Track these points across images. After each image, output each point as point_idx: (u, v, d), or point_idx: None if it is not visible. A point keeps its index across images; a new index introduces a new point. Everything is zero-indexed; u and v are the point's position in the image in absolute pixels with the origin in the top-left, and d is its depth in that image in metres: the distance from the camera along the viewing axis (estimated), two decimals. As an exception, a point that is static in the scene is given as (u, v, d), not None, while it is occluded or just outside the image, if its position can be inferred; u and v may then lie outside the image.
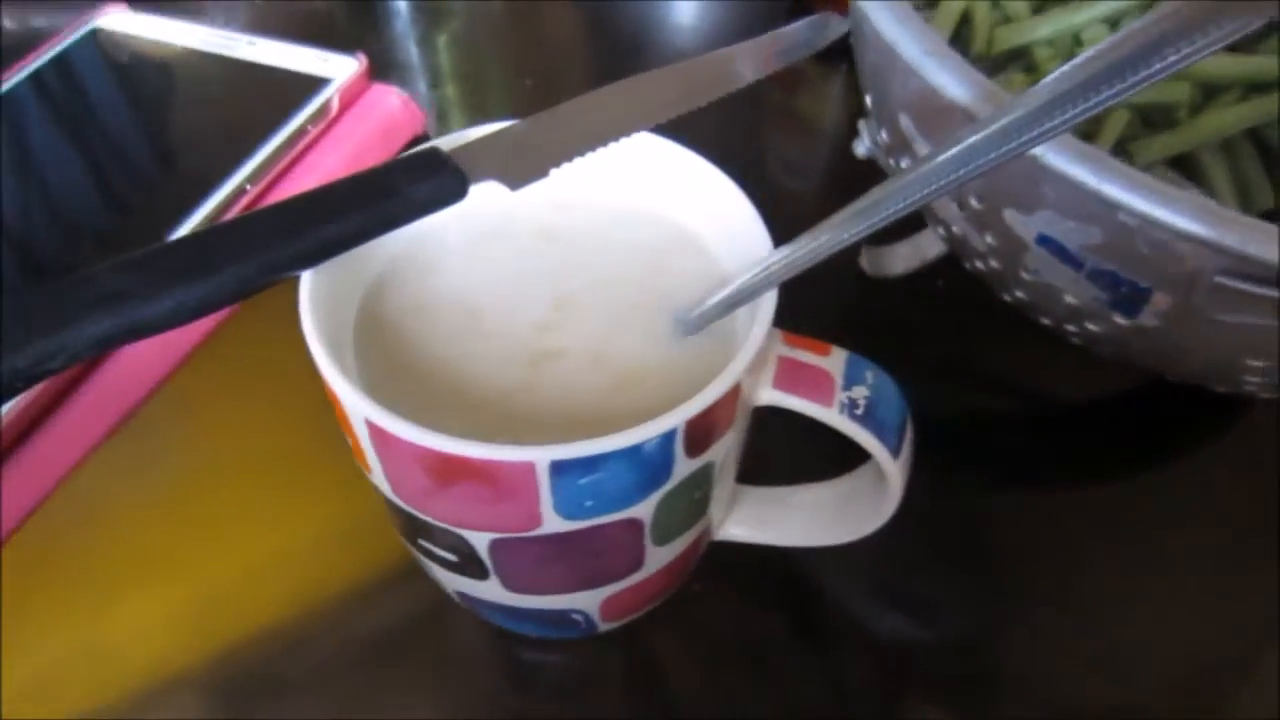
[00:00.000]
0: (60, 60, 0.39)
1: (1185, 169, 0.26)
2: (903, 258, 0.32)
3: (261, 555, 0.29)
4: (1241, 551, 0.30)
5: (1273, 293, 0.18)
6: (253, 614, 0.27)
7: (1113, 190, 0.18)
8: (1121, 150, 0.26)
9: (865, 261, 0.33)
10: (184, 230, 0.32)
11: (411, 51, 0.46)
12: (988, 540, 0.30)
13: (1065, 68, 0.14)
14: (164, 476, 0.30)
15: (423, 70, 0.45)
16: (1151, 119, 0.27)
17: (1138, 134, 0.27)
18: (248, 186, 0.34)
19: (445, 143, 0.22)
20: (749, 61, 0.24)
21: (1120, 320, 0.22)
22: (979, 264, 0.26)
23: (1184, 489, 0.31)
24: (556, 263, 0.22)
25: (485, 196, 0.22)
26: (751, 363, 0.19)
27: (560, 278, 0.22)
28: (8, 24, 0.47)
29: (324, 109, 0.36)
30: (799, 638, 0.28)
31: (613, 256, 0.23)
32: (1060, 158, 0.19)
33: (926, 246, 0.31)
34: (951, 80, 0.20)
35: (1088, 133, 0.26)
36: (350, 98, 0.37)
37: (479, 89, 0.45)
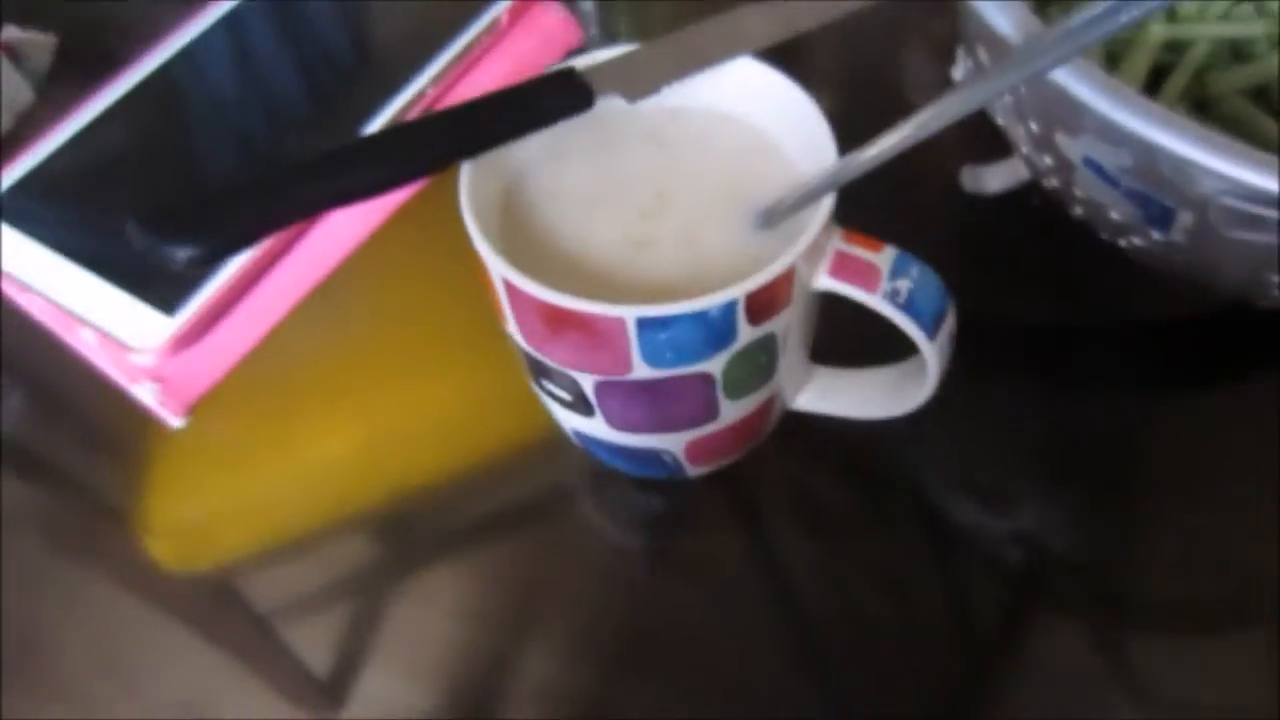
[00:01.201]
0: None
1: (1264, 102, 0.28)
2: (999, 176, 0.35)
3: (429, 410, 0.35)
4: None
5: (1274, 213, 0.21)
6: (420, 459, 0.34)
7: (1123, 120, 0.21)
8: (1200, 80, 0.28)
9: (965, 179, 0.36)
10: (379, 120, 0.39)
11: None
12: (1057, 439, 0.33)
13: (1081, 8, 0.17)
14: (353, 332, 0.37)
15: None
16: (1237, 51, 0.28)
17: (1224, 64, 0.29)
18: (429, 90, 0.40)
19: (579, 62, 0.27)
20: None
21: (1156, 235, 0.25)
22: (1045, 183, 0.29)
23: (1254, 408, 0.32)
24: (661, 162, 0.27)
25: (607, 105, 0.27)
26: (807, 251, 0.23)
27: (662, 175, 0.27)
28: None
29: (495, 23, 0.42)
30: (871, 508, 0.32)
31: (706, 159, 0.27)
32: (1085, 90, 0.22)
33: (1021, 169, 0.34)
34: (1002, 19, 0.23)
35: (1169, 63, 0.28)
36: (518, 12, 0.42)
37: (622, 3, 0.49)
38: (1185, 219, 0.23)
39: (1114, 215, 0.26)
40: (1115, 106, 0.21)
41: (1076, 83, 0.22)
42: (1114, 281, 0.35)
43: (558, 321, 0.24)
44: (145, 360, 0.35)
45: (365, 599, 0.31)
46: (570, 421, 0.29)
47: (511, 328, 0.26)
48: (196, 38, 0.44)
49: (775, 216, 0.25)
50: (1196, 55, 0.28)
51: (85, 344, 0.36)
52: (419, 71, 0.40)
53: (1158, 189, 0.23)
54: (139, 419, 0.35)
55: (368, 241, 0.39)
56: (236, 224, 0.24)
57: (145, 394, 0.35)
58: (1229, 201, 0.21)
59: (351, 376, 0.36)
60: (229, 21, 0.44)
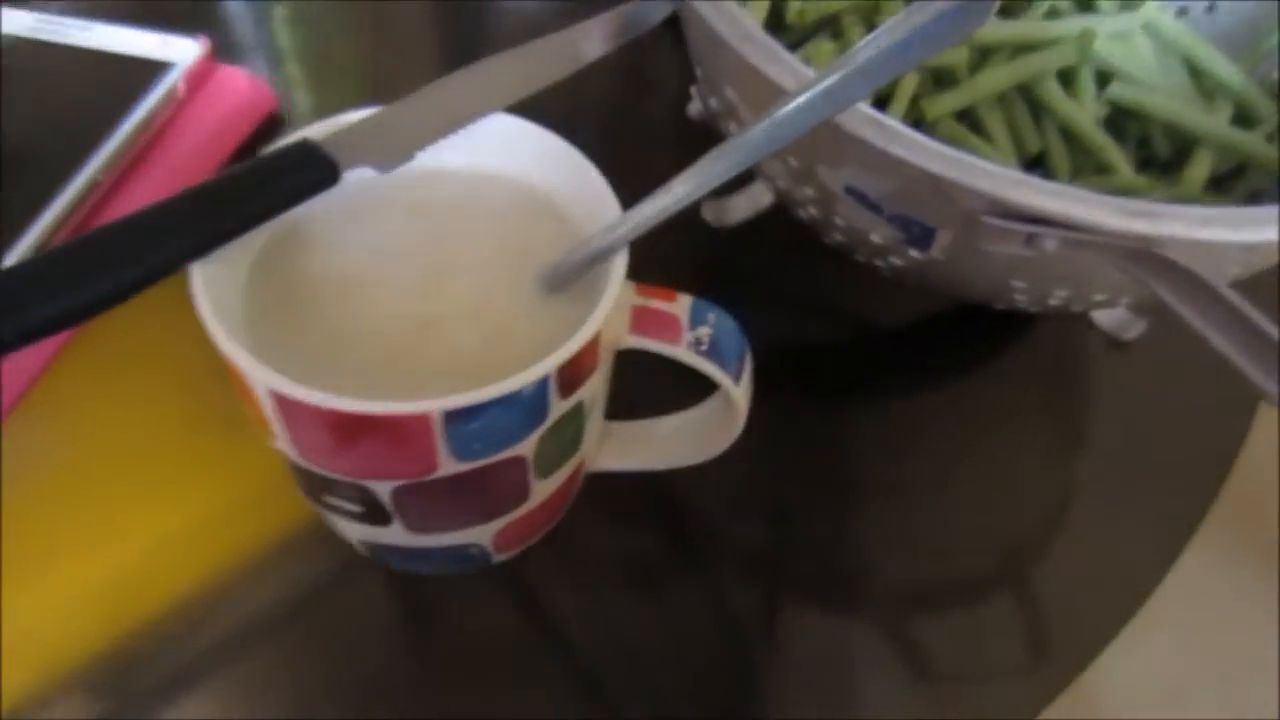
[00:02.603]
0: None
1: (969, 120, 0.31)
2: (740, 208, 0.36)
3: (158, 535, 0.30)
4: (1032, 443, 0.35)
5: (1025, 228, 0.23)
6: (156, 592, 0.29)
7: (895, 150, 0.22)
8: (915, 106, 0.31)
9: (707, 213, 0.37)
10: (39, 229, 0.32)
11: (248, 31, 0.46)
12: (827, 452, 0.34)
13: (851, 53, 0.18)
14: (51, 468, 0.31)
15: (261, 49, 0.45)
16: (940, 78, 0.31)
17: (929, 91, 0.31)
18: (100, 178, 0.34)
19: (314, 132, 0.24)
20: (588, 42, 0.26)
21: (916, 254, 0.26)
22: (802, 213, 0.30)
23: (983, 395, 0.36)
24: (427, 234, 0.25)
25: (353, 177, 0.24)
26: (609, 313, 0.22)
27: (433, 248, 0.24)
28: None
29: (170, 94, 0.37)
30: (670, 553, 0.31)
31: (478, 225, 0.25)
32: (854, 123, 0.22)
33: (759, 197, 0.35)
34: (768, 62, 0.23)
35: (886, 93, 0.30)
36: (196, 81, 0.38)
37: (320, 66, 0.45)
38: (944, 238, 0.25)
39: (874, 238, 0.27)
40: (885, 138, 0.22)
41: (845, 117, 0.22)
42: (858, 294, 0.37)
43: (346, 430, 0.21)
44: None
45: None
46: (358, 534, 0.26)
47: (281, 443, 0.22)
48: None
49: (562, 278, 0.24)
50: (909, 84, 0.30)
51: None
52: (86, 160, 0.34)
53: (919, 211, 0.24)
54: None
55: (52, 358, 0.33)
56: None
57: None
58: (987, 219, 0.23)
59: (57, 517, 0.30)
60: None
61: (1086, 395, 0.37)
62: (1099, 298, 0.27)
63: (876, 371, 0.37)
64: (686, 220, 0.37)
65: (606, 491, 0.30)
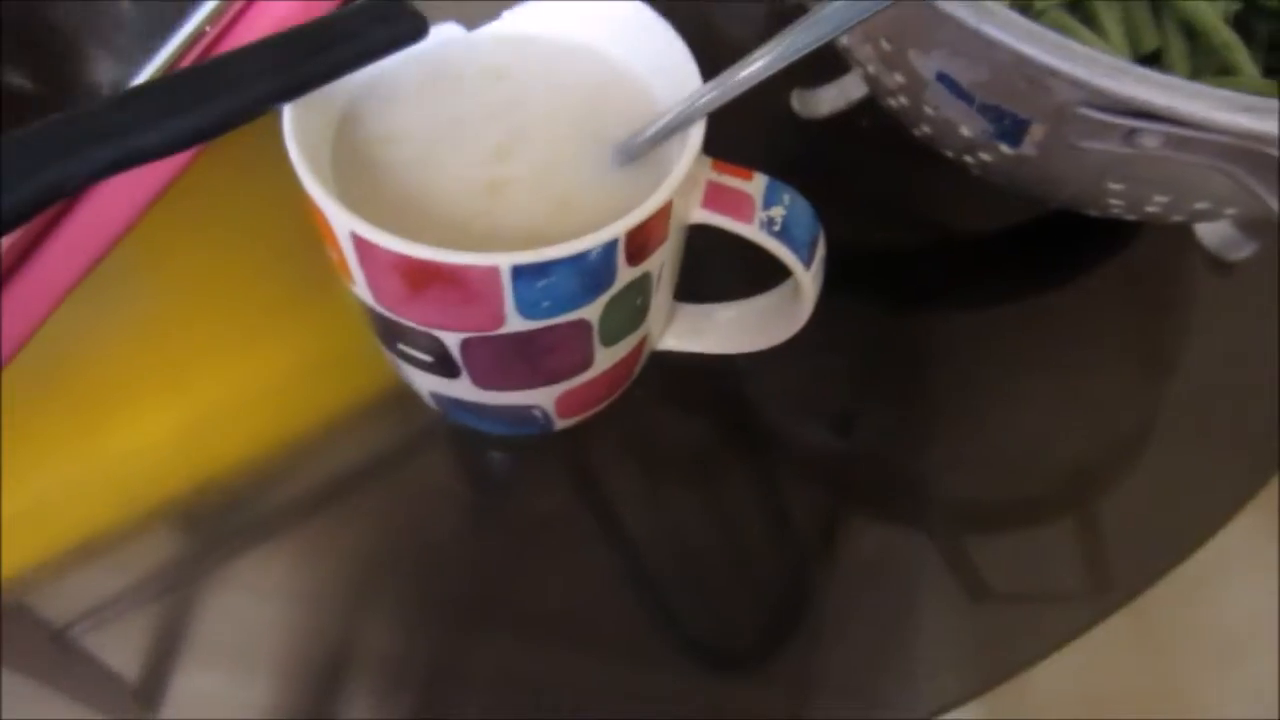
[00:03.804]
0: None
1: (1081, 13, 0.29)
2: (829, 99, 0.35)
3: (246, 382, 0.32)
4: (1115, 365, 0.34)
5: (1124, 121, 0.22)
6: (231, 437, 0.30)
7: (989, 30, 0.21)
8: (1025, -5, 0.29)
9: (796, 103, 0.36)
10: (151, 68, 0.34)
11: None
12: (899, 358, 0.34)
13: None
14: (147, 310, 0.33)
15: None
16: (1054, -34, 0.29)
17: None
18: (207, 28, 0.35)
19: (405, -15, 0.24)
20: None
21: (1006, 149, 0.25)
22: (892, 101, 0.29)
23: (1068, 311, 0.35)
24: (505, 97, 0.25)
25: (440, 36, 0.24)
26: (682, 184, 0.22)
27: (509, 111, 0.25)
28: None
29: (276, -50, 0.37)
30: (730, 446, 0.32)
31: (556, 92, 0.25)
32: (949, 3, 0.21)
33: (851, 89, 0.34)
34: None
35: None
36: (302, -61, 0.38)
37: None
38: (1037, 132, 0.24)
39: (964, 131, 0.26)
40: (978, 18, 0.21)
41: (941, -4, 0.21)
42: (944, 196, 0.36)
43: (419, 277, 0.21)
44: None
45: (179, 593, 0.28)
46: (428, 385, 0.27)
47: (359, 288, 0.23)
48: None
49: (638, 149, 0.24)
50: (1021, -30, 0.28)
51: None
52: (193, 10, 0.35)
53: (1012, 101, 0.23)
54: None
55: (149, 208, 0.34)
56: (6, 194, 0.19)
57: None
58: (1084, 111, 0.22)
59: (148, 358, 0.32)
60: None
61: (1181, 318, 0.35)
62: (1201, 206, 0.25)
63: (958, 279, 0.36)
64: (775, 111, 0.37)
65: (673, 378, 0.30)
